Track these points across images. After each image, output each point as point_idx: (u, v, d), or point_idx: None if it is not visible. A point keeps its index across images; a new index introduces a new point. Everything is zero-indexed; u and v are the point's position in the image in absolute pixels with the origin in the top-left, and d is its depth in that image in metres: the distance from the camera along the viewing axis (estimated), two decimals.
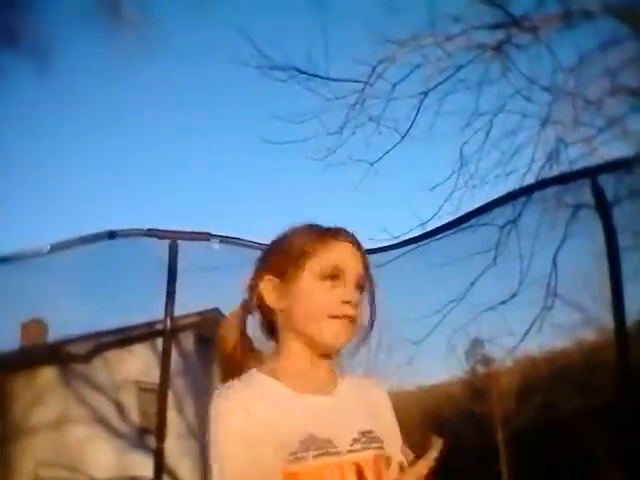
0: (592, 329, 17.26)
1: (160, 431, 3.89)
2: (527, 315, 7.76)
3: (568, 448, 17.46)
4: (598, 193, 3.52)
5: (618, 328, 3.50)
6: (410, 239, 4.54)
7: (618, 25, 7.54)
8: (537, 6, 7.57)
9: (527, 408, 20.14)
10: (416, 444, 1.48)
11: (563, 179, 4.57)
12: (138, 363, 12.05)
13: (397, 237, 6.61)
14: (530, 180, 8.01)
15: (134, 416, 12.40)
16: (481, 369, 23.26)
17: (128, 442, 11.99)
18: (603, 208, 3.53)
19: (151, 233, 3.98)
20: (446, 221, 4.92)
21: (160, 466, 3.85)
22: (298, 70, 8.19)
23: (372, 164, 8.39)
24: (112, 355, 12.25)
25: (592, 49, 7.75)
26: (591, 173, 3.64)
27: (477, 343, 20.87)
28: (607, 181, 3.73)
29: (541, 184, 5.33)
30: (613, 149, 8.14)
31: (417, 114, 8.13)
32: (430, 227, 7.41)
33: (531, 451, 19.02)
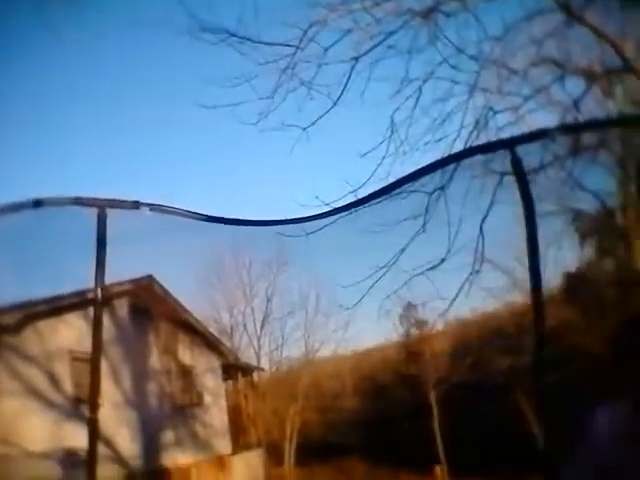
0: (520, 292, 17.94)
1: (93, 401, 3.88)
2: (457, 279, 8.05)
3: (496, 405, 18.20)
4: (516, 163, 3.65)
5: (534, 291, 3.68)
6: (341, 207, 4.59)
7: None
8: None
9: (459, 368, 20.79)
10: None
11: (484, 149, 4.69)
12: (71, 332, 11.84)
13: (329, 204, 6.71)
14: (459, 146, 8.21)
15: (68, 386, 12.23)
16: (415, 332, 23.85)
17: (62, 413, 11.83)
18: (521, 178, 3.67)
19: (78, 201, 3.89)
20: (377, 188, 4.98)
21: (94, 436, 3.85)
22: (229, 33, 8.07)
23: (304, 129, 8.41)
24: (44, 325, 11.98)
25: (518, 19, 7.94)
26: (510, 143, 3.76)
27: (410, 307, 21.43)
28: (532, 149, 3.86)
29: (462, 154, 5.46)
30: (539, 117, 8.42)
31: (348, 80, 8.16)
32: (362, 193, 7.54)
33: (462, 409, 19.73)
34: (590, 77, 8.26)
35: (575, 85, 8.47)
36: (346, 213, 4.81)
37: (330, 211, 4.79)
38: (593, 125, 5.02)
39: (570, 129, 4.19)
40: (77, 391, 12.08)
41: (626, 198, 15.19)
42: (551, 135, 3.67)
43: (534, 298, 3.76)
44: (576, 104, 8.27)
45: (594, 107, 8.96)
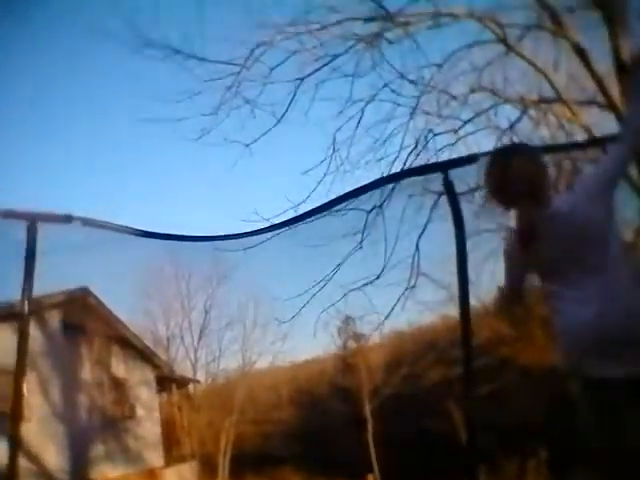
0: (455, 305, 18.30)
1: (16, 416, 3.79)
2: (393, 294, 8.20)
3: (430, 415, 18.52)
4: (448, 185, 3.80)
5: (462, 305, 3.83)
6: (279, 223, 4.63)
7: (481, 28, 8.03)
8: (409, 3, 7.89)
9: (393, 380, 21.08)
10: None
11: (419, 171, 4.86)
12: None
13: (268, 219, 6.75)
14: (399, 166, 8.39)
15: None
16: (352, 345, 24.06)
17: None
18: (452, 198, 3.82)
19: (8, 214, 3.82)
20: (316, 205, 5.04)
21: (15, 452, 3.76)
22: (174, 49, 8.06)
23: (247, 145, 8.45)
24: None
25: (458, 49, 8.21)
26: (443, 166, 3.91)
27: (348, 320, 21.62)
28: (469, 170, 4.02)
29: (399, 175, 5.61)
30: (477, 140, 8.71)
31: (293, 99, 8.25)
32: (302, 210, 7.62)
33: (395, 420, 19.98)
34: (524, 105, 8.60)
35: (511, 111, 8.81)
36: (285, 228, 4.87)
37: (267, 227, 4.83)
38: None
39: (503, 153, 4.36)
40: (1, 405, 11.65)
41: None
42: (479, 160, 3.83)
43: (462, 312, 3.93)
44: (512, 129, 8.59)
45: (529, 132, 9.33)
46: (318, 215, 4.85)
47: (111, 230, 4.04)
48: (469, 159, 3.98)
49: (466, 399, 3.81)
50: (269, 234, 4.85)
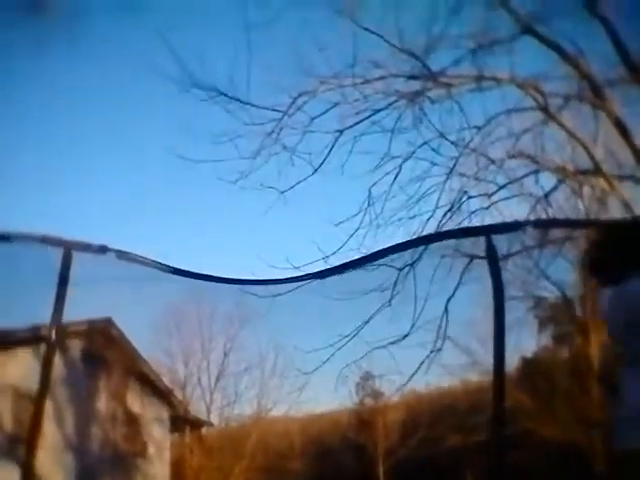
0: (477, 371, 18.02)
1: (32, 444, 3.77)
2: (417, 355, 8.09)
3: None
4: (491, 250, 3.74)
5: (497, 370, 3.72)
6: (309, 274, 4.63)
7: (523, 95, 8.11)
8: (453, 64, 8.02)
9: (410, 442, 20.61)
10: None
11: (461, 233, 4.82)
12: (18, 368, 11.50)
13: (298, 268, 6.76)
14: (433, 225, 8.40)
15: (7, 423, 11.78)
16: (369, 402, 23.67)
17: None
18: (494, 264, 3.76)
19: (45, 240, 3.90)
20: (347, 257, 5.02)
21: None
22: (219, 91, 8.25)
23: (282, 192, 8.54)
24: None
25: (498, 113, 8.29)
26: (487, 231, 3.87)
27: (368, 377, 21.33)
28: (502, 236, 4.00)
29: (440, 236, 5.59)
30: (511, 206, 8.70)
31: (331, 150, 8.36)
32: (332, 261, 7.63)
33: None
34: (561, 174, 8.59)
35: (547, 179, 8.80)
36: (312, 280, 4.86)
37: (296, 277, 4.83)
38: (563, 224, 5.18)
39: (541, 224, 4.35)
40: (17, 429, 11.64)
41: (585, 290, 15.60)
42: (524, 228, 3.80)
43: (496, 378, 3.79)
44: (547, 197, 8.57)
45: (563, 202, 9.30)
46: (350, 270, 4.84)
47: (143, 265, 4.08)
48: (513, 225, 3.95)
49: (494, 470, 3.66)
50: (297, 283, 4.85)
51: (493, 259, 3.75)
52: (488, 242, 3.74)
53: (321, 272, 4.75)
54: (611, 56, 7.82)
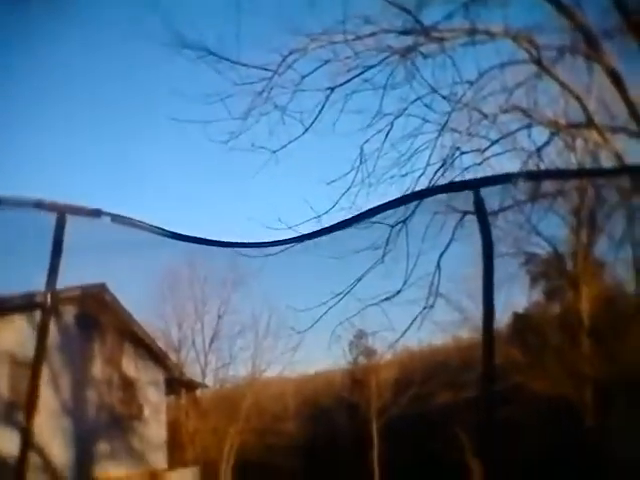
0: (469, 328, 18.23)
1: (30, 409, 3.76)
2: (410, 312, 8.13)
3: (436, 437, 18.33)
4: (479, 204, 3.70)
5: (486, 325, 3.71)
6: (301, 236, 4.57)
7: (516, 48, 7.99)
8: (445, 18, 7.87)
9: (402, 400, 20.91)
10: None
11: (448, 189, 4.77)
12: (14, 334, 11.49)
13: (291, 227, 6.72)
14: (424, 183, 8.35)
15: (3, 389, 11.82)
16: (363, 360, 23.91)
17: None
18: (482, 218, 3.72)
19: (39, 205, 3.82)
20: (339, 216, 4.96)
21: (26, 445, 3.73)
22: (208, 51, 8.09)
23: (274, 152, 8.44)
24: None
25: (491, 67, 8.17)
26: (474, 185, 3.82)
27: (361, 335, 21.50)
28: (493, 192, 3.95)
29: (426, 192, 5.54)
30: (503, 161, 8.66)
31: (322, 109, 8.25)
32: (325, 220, 7.58)
33: (402, 440, 19.81)
34: (554, 128, 8.54)
35: (540, 134, 8.74)
36: (305, 241, 4.81)
37: (288, 239, 4.76)
38: (554, 174, 5.14)
39: (532, 176, 4.30)
40: (14, 396, 11.68)
41: (577, 245, 15.71)
42: (514, 180, 3.75)
43: (485, 335, 3.78)
44: (539, 152, 8.52)
45: (555, 156, 9.25)
46: (341, 229, 4.79)
47: (138, 229, 4.02)
48: (501, 178, 3.90)
49: (484, 426, 3.67)
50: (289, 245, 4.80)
51: (481, 213, 3.71)
52: (476, 196, 3.69)
53: (312, 233, 4.70)
54: (606, 6, 7.70)
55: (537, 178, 4.56)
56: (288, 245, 4.69)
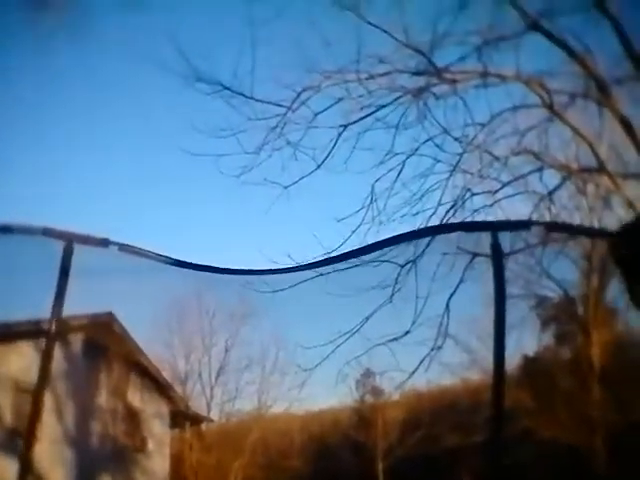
0: (478, 370, 18.01)
1: (30, 437, 3.75)
2: (418, 352, 8.06)
3: None
4: (496, 246, 3.68)
5: (497, 370, 3.66)
6: (310, 263, 4.56)
7: (528, 92, 8.07)
8: (458, 60, 7.97)
9: (409, 440, 20.60)
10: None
11: (467, 227, 4.74)
12: (20, 361, 11.49)
13: (300, 264, 6.71)
14: (435, 222, 8.36)
15: (7, 416, 11.77)
16: (370, 399, 23.64)
17: None
18: (498, 261, 3.70)
19: (47, 232, 3.87)
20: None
21: (25, 473, 3.71)
22: (223, 86, 8.22)
23: (286, 187, 8.51)
24: None
25: (503, 110, 8.25)
26: (494, 227, 3.80)
27: (369, 374, 21.29)
28: (505, 234, 3.94)
29: (445, 227, 5.53)
30: (514, 203, 8.66)
31: (334, 146, 8.33)
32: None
33: None
34: (566, 172, 8.55)
35: (551, 177, 8.76)
36: (316, 274, 4.80)
37: (298, 266, 4.76)
38: (576, 230, 5.03)
39: (551, 227, 4.26)
40: (17, 423, 11.63)
41: (588, 290, 15.56)
42: (533, 228, 3.74)
43: (496, 378, 3.72)
44: (550, 196, 8.53)
45: (567, 200, 9.25)
46: (350, 263, 4.78)
47: (146, 258, 4.05)
48: (522, 224, 3.89)
49: (492, 469, 3.60)
50: (299, 278, 4.79)
51: (498, 255, 3.69)
52: (494, 238, 3.68)
53: (322, 261, 4.67)
54: (618, 54, 7.78)
55: (556, 230, 4.50)
56: (296, 279, 4.69)
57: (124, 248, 4.02)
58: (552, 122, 8.27)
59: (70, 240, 3.84)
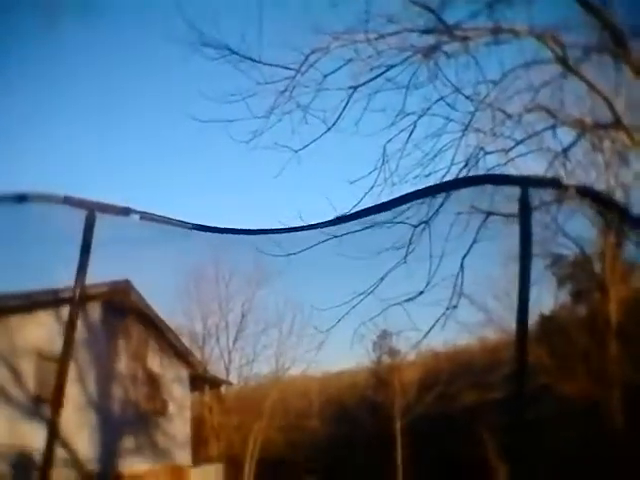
0: (494, 329, 18.11)
1: (56, 402, 3.83)
2: (433, 312, 8.10)
3: (460, 438, 18.23)
4: (525, 202, 3.65)
5: (520, 329, 3.66)
6: (324, 222, 4.51)
7: (541, 47, 7.90)
8: (469, 17, 7.82)
9: (427, 399, 20.85)
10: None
11: (495, 180, 4.64)
12: (41, 330, 11.71)
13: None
14: None
15: (31, 384, 12.04)
16: (387, 360, 23.88)
17: (22, 411, 11.64)
18: (526, 217, 3.66)
19: (68, 201, 3.88)
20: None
21: (53, 438, 3.80)
22: (230, 50, 8.13)
23: (296, 151, 8.45)
24: (14, 320, 11.82)
25: (516, 66, 8.09)
26: (523, 182, 3.76)
27: (385, 335, 21.48)
28: (515, 192, 3.91)
29: (474, 179, 5.44)
30: (528, 161, 8.57)
31: (345, 108, 8.23)
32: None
33: (425, 440, 19.75)
34: (581, 128, 8.42)
35: (566, 134, 8.63)
36: (330, 237, 4.79)
37: (312, 225, 4.70)
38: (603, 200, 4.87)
39: (582, 191, 4.17)
40: (40, 390, 11.90)
41: (604, 247, 15.48)
42: (564, 188, 3.67)
43: (519, 334, 3.69)
44: (565, 153, 8.42)
45: (582, 157, 9.13)
46: (366, 221, 4.73)
47: (167, 225, 4.07)
48: (551, 182, 3.84)
49: (513, 425, 3.62)
50: (312, 239, 4.77)
51: (526, 211, 3.63)
52: (523, 193, 3.61)
53: (337, 219, 4.61)
54: (635, 3, 7.57)
55: (585, 195, 4.38)
56: (310, 241, 4.68)
57: (145, 216, 4.04)
58: (566, 78, 8.11)
59: (92, 209, 3.86)
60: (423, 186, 4.36)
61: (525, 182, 3.68)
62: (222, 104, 8.34)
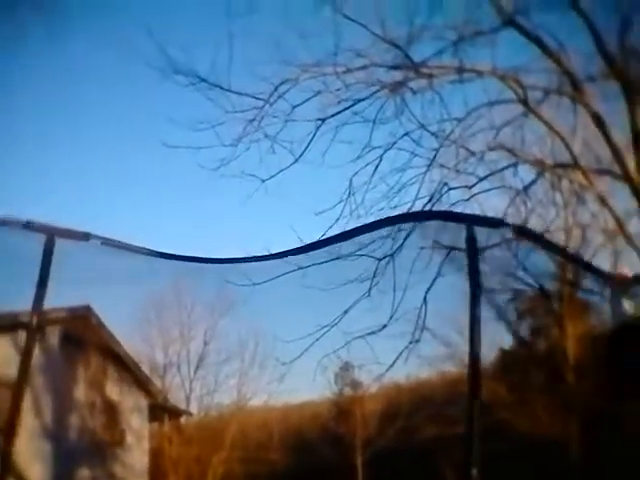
0: (455, 363, 18.23)
1: (10, 431, 3.75)
2: (396, 345, 8.17)
3: (421, 473, 18.17)
4: (471, 240, 3.74)
5: (472, 363, 3.73)
6: (288, 250, 4.54)
7: (503, 87, 8.18)
8: (435, 55, 8.06)
9: (388, 432, 20.79)
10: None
11: (445, 216, 4.77)
12: None
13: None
14: None
15: None
16: (349, 392, 23.79)
17: None
18: (473, 255, 3.75)
19: (28, 226, 3.88)
20: (326, 248, 4.89)
21: (6, 468, 3.71)
22: (200, 78, 8.22)
23: (263, 181, 8.54)
24: None
25: (479, 105, 8.36)
26: (470, 220, 3.85)
27: (347, 367, 21.44)
28: (482, 229, 4.00)
29: (422, 214, 5.59)
30: (491, 197, 8.80)
31: (312, 139, 8.37)
32: (311, 253, 7.65)
33: (386, 472, 19.64)
34: (541, 167, 8.69)
35: (527, 172, 8.90)
36: (294, 267, 4.82)
37: (276, 253, 4.73)
38: (546, 245, 5.02)
39: (523, 233, 4.31)
40: None
41: (563, 284, 15.81)
42: (506, 227, 3.79)
43: (471, 369, 3.79)
44: (526, 190, 8.67)
45: (542, 195, 9.40)
46: (331, 253, 4.77)
47: (127, 251, 4.08)
48: (496, 222, 3.95)
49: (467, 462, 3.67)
50: (277, 269, 4.79)
51: (472, 249, 3.75)
52: (469, 231, 3.74)
53: (301, 248, 4.65)
54: (590, 52, 7.92)
55: (528, 236, 4.48)
56: (275, 271, 4.71)
57: (105, 241, 4.04)
58: (527, 117, 8.40)
59: (51, 234, 3.85)
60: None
61: (470, 220, 3.80)
62: (191, 131, 8.41)
